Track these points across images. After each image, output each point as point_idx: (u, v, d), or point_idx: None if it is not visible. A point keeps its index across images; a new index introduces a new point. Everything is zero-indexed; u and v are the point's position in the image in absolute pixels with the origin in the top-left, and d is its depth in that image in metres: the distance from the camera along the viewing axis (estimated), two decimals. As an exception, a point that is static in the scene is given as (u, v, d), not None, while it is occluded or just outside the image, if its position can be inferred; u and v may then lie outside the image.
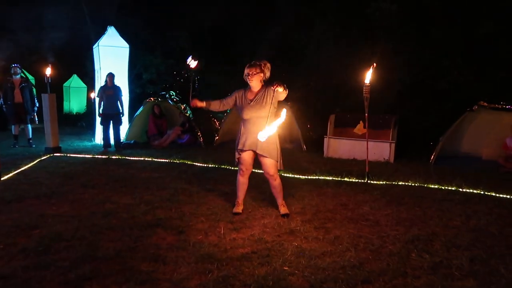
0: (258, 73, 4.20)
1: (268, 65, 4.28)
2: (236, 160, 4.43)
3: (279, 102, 4.23)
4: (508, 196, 5.22)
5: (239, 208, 4.45)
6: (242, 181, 4.47)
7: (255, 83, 4.23)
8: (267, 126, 3.96)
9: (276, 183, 4.35)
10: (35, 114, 9.09)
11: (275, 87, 3.91)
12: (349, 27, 10.81)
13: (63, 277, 2.88)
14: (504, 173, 6.80)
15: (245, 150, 4.28)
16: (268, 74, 4.29)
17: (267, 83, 4.27)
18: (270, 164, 4.25)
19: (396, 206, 4.79)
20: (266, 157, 4.21)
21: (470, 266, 3.16)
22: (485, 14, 9.06)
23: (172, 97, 10.03)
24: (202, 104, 4.35)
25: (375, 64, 5.85)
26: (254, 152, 4.28)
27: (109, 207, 4.58)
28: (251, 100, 4.23)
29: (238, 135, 4.38)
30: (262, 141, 4.04)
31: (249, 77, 4.21)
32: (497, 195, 5.30)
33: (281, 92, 3.97)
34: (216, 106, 4.45)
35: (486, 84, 8.94)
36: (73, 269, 2.99)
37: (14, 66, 8.88)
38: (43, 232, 3.72)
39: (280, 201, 4.42)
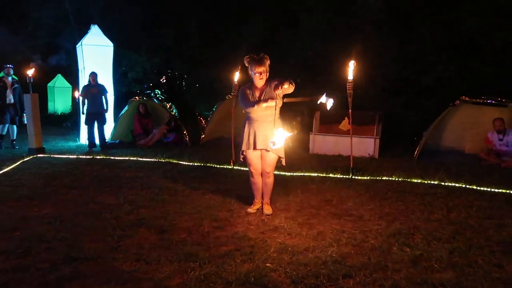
0: (267, 71, 4.07)
1: (268, 58, 4.10)
2: (240, 160, 4.33)
3: (287, 95, 4.08)
4: (488, 189, 5.32)
5: (253, 208, 4.41)
6: (254, 181, 4.40)
7: (263, 80, 4.09)
8: (275, 124, 3.89)
9: (269, 180, 4.33)
10: (24, 114, 8.87)
11: (281, 87, 3.79)
12: (335, 23, 10.86)
13: (43, 278, 2.84)
14: (486, 166, 6.92)
15: (254, 150, 4.17)
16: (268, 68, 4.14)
17: (269, 78, 4.14)
18: (271, 161, 4.21)
19: (380, 201, 4.84)
20: (271, 153, 4.13)
21: (449, 258, 3.21)
22: (469, 9, 9.18)
23: (158, 95, 9.95)
24: None
25: (353, 62, 5.87)
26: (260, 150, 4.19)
27: (93, 207, 4.53)
28: (259, 98, 4.08)
29: (242, 136, 4.24)
30: (272, 139, 3.92)
31: (259, 76, 4.03)
32: (478, 188, 5.39)
33: (287, 88, 3.84)
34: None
35: (470, 79, 9.08)
36: (53, 270, 2.96)
37: (8, 66, 8.69)
38: (23, 234, 3.67)
39: (266, 199, 4.41)
